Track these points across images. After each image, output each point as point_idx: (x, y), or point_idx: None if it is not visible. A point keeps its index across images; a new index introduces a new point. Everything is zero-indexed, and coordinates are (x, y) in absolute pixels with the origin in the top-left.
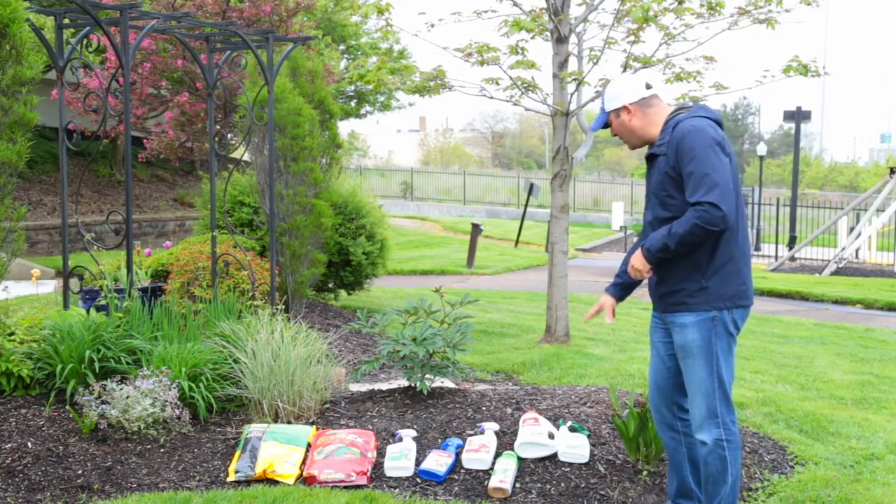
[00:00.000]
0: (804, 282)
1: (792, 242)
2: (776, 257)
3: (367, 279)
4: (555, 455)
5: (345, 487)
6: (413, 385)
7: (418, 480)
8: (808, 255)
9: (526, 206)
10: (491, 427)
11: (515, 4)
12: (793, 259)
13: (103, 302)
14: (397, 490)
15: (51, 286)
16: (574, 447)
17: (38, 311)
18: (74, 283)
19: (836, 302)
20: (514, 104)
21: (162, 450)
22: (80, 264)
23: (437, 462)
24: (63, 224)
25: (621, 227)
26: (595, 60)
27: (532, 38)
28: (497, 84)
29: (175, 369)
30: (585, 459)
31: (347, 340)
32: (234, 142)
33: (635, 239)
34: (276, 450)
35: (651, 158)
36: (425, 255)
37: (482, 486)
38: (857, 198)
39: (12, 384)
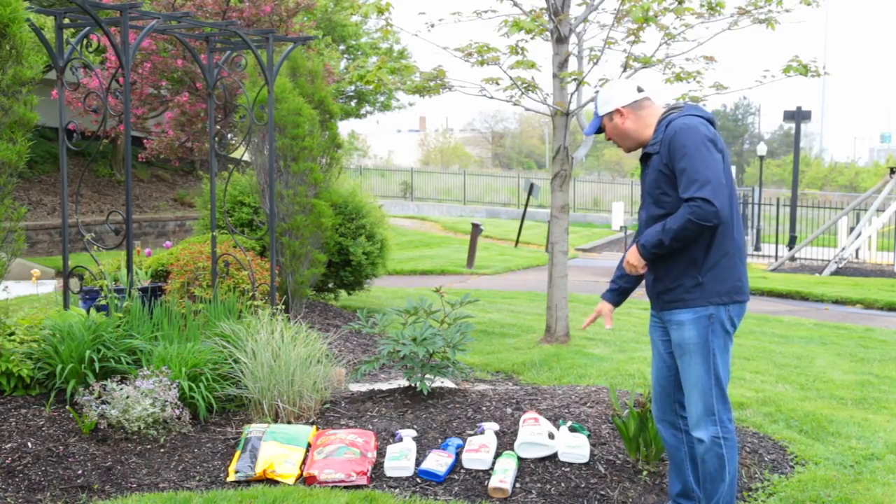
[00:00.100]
0: (804, 282)
1: (792, 242)
2: (776, 257)
3: (367, 279)
4: (555, 455)
5: (345, 487)
6: (413, 385)
7: (418, 480)
8: (808, 255)
9: (526, 206)
10: (491, 427)
11: (515, 4)
12: (793, 259)
13: (103, 302)
14: (397, 490)
15: (51, 286)
16: (574, 447)
17: (38, 311)
18: (74, 283)
19: (836, 302)
20: (514, 104)
21: (162, 450)
22: (80, 264)
23: (437, 462)
24: (63, 224)
25: (621, 227)
26: (595, 60)
27: (532, 38)
28: (497, 84)
29: (175, 369)
30: (585, 459)
31: (347, 340)
32: (234, 142)
33: None
34: (276, 450)
35: (645, 158)
36: (425, 255)
37: (482, 486)
38: (857, 198)
39: (12, 384)
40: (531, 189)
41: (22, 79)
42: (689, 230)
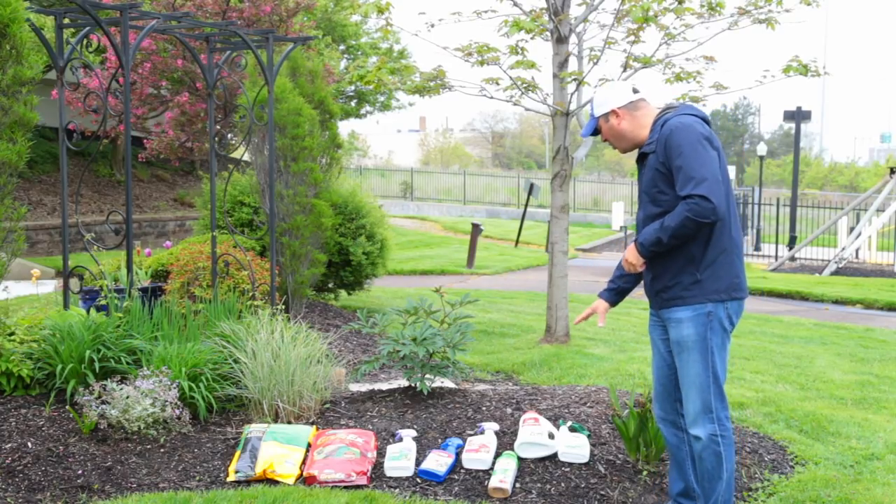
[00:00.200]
0: (804, 282)
1: (792, 242)
2: (776, 257)
3: (367, 279)
4: (555, 455)
5: (345, 487)
6: (413, 385)
7: (418, 480)
8: (808, 255)
9: (526, 206)
10: (491, 427)
11: (515, 4)
12: (793, 259)
13: (103, 302)
14: (397, 490)
15: (51, 286)
16: (574, 447)
17: (38, 311)
18: (74, 283)
19: (836, 302)
20: (514, 104)
21: (162, 450)
22: (80, 264)
23: (437, 462)
24: (63, 224)
25: (621, 227)
26: (595, 60)
27: (532, 38)
28: (497, 84)
29: (175, 369)
30: (585, 459)
31: (347, 340)
32: (234, 142)
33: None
34: (276, 450)
35: (642, 158)
36: (425, 255)
37: (482, 486)
38: (857, 198)
39: (12, 384)
40: (531, 189)
41: (22, 79)
42: (687, 227)
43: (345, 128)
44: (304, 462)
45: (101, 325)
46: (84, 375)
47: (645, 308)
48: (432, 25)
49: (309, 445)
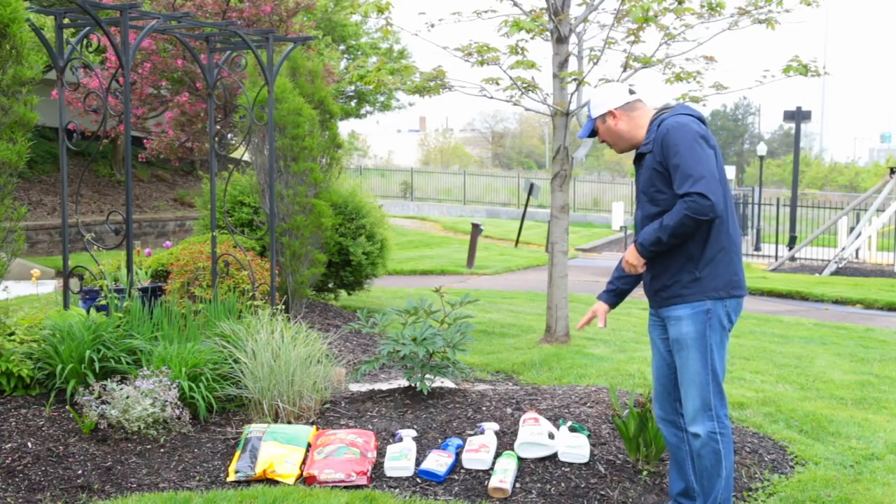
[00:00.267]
0: (804, 282)
1: (792, 242)
2: (776, 257)
3: (367, 279)
4: (555, 455)
5: (345, 487)
6: (413, 385)
7: (418, 480)
8: (808, 255)
9: (526, 206)
10: (491, 427)
11: (515, 4)
12: (793, 259)
13: (103, 302)
14: (397, 490)
15: (51, 286)
16: (574, 447)
17: (38, 311)
18: (74, 283)
19: (836, 302)
20: (514, 104)
21: (162, 450)
22: (80, 264)
23: (437, 462)
24: (63, 224)
25: (621, 227)
26: (595, 60)
27: (532, 38)
28: (497, 84)
29: (175, 369)
30: (585, 459)
31: (347, 340)
32: (234, 142)
33: None
34: (276, 450)
35: (639, 158)
36: (425, 255)
37: (482, 486)
38: (857, 198)
39: (12, 384)
40: (531, 189)
41: (22, 79)
42: (686, 225)
43: (345, 128)
44: (304, 462)
45: (101, 325)
46: (84, 375)
47: (645, 308)
48: (432, 25)
49: (309, 445)
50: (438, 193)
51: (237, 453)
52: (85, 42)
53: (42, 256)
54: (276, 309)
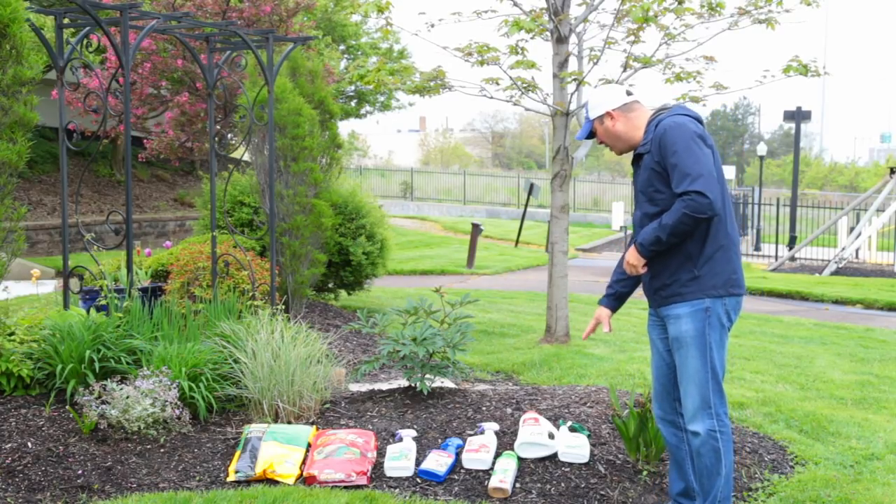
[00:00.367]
0: (804, 282)
1: (792, 242)
2: (776, 257)
3: (367, 279)
4: (555, 455)
5: (345, 487)
6: (413, 385)
7: (418, 480)
8: (808, 255)
9: (526, 206)
10: (491, 427)
11: (515, 4)
12: (793, 259)
13: (103, 302)
14: (397, 490)
15: (51, 286)
16: (574, 447)
17: (38, 311)
18: (74, 283)
19: (836, 302)
20: (514, 104)
21: (162, 450)
22: (80, 264)
23: (437, 462)
24: (63, 224)
25: (621, 227)
26: (595, 60)
27: (532, 38)
28: (497, 84)
29: (175, 369)
30: (585, 459)
31: (347, 340)
32: (234, 142)
33: None
34: (276, 450)
35: (637, 159)
36: (425, 255)
37: (482, 486)
38: (857, 198)
39: (12, 384)
40: (531, 189)
41: (22, 79)
42: (685, 224)
43: (345, 128)
44: (304, 462)
45: (101, 325)
46: (84, 375)
47: (645, 308)
48: (432, 25)
49: (309, 445)
50: (438, 193)
51: (237, 453)
52: (85, 42)
53: (42, 256)
54: (276, 309)
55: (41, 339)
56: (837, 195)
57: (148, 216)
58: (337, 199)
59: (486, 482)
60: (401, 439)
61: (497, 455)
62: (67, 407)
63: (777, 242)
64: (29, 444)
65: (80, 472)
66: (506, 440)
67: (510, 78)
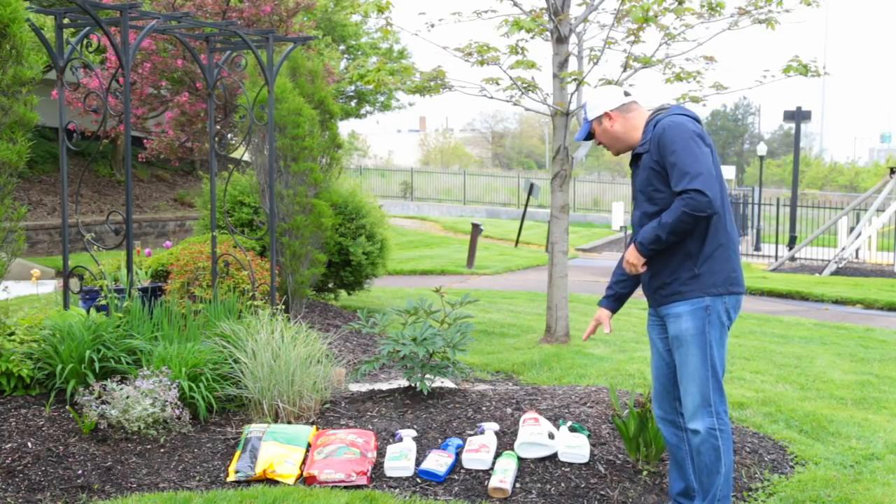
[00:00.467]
0: (804, 282)
1: (792, 242)
2: (776, 257)
3: (367, 279)
4: (555, 455)
5: (345, 487)
6: (413, 385)
7: (418, 480)
8: (808, 255)
9: (526, 206)
10: (491, 427)
11: (515, 4)
12: (793, 259)
13: (103, 302)
14: (397, 490)
15: (51, 286)
16: (574, 447)
17: (38, 311)
18: (74, 283)
19: (836, 302)
20: (514, 104)
21: (162, 450)
22: (80, 264)
23: (437, 462)
24: (63, 224)
25: (621, 227)
26: (595, 60)
27: (532, 38)
28: (497, 84)
29: (175, 369)
30: (585, 459)
31: (347, 340)
32: (234, 142)
33: None
34: (276, 450)
35: (636, 158)
36: (425, 255)
37: (482, 486)
38: (857, 198)
39: (12, 384)
40: (531, 189)
41: (22, 79)
42: (684, 222)
43: (345, 128)
44: (304, 462)
45: (101, 325)
46: (84, 375)
47: (644, 308)
48: (432, 25)
49: (309, 445)
50: (438, 193)
51: (237, 453)
52: (85, 42)
53: (42, 256)
54: (276, 309)
55: (41, 339)
56: (837, 195)
57: (148, 216)
58: (337, 199)
59: (486, 482)
60: (401, 439)
61: (497, 455)
62: (67, 407)
63: (777, 242)
64: (29, 444)
65: (80, 472)
66: (506, 440)
67: (510, 78)
